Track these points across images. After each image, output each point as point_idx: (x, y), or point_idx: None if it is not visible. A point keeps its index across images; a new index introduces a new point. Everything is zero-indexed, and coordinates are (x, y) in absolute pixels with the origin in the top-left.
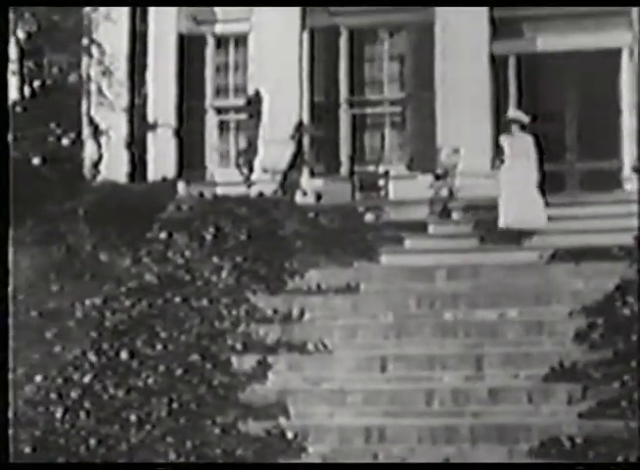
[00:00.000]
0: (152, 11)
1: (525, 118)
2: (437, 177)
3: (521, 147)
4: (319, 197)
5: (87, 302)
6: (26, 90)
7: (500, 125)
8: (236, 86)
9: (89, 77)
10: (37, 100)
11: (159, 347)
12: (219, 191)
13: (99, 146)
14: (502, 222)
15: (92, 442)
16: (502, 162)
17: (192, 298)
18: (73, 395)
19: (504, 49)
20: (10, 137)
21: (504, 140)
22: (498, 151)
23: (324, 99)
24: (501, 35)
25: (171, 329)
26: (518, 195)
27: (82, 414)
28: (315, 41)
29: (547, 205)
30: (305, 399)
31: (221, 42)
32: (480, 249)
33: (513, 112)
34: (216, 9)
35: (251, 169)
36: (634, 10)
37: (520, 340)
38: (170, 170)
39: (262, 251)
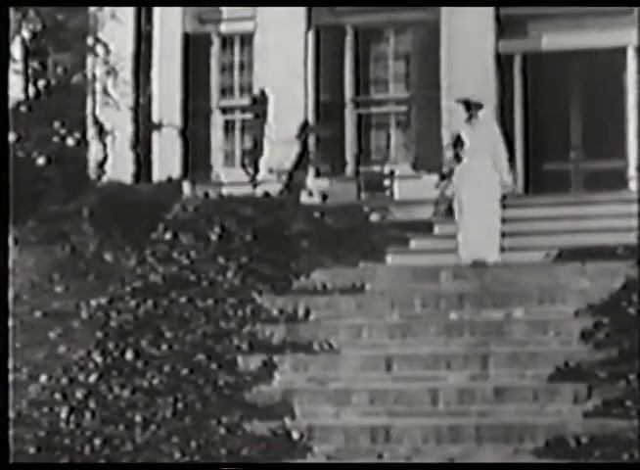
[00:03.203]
0: (157, 10)
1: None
2: (443, 177)
3: (483, 141)
4: (324, 197)
5: (92, 302)
6: (31, 90)
7: (505, 124)
8: (241, 86)
9: (94, 77)
10: (42, 100)
11: (164, 347)
12: (225, 191)
13: (104, 146)
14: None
15: (97, 442)
16: (458, 159)
17: (197, 298)
18: (78, 395)
19: (510, 48)
20: (12, 137)
21: (462, 130)
22: (456, 143)
23: (329, 98)
24: (507, 34)
25: (177, 329)
26: (473, 213)
27: (87, 414)
28: (320, 40)
29: (549, 205)
30: (311, 399)
31: (226, 42)
32: None
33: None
34: (222, 8)
35: (256, 169)
36: (637, 9)
37: (525, 339)
38: (175, 170)
39: (268, 251)
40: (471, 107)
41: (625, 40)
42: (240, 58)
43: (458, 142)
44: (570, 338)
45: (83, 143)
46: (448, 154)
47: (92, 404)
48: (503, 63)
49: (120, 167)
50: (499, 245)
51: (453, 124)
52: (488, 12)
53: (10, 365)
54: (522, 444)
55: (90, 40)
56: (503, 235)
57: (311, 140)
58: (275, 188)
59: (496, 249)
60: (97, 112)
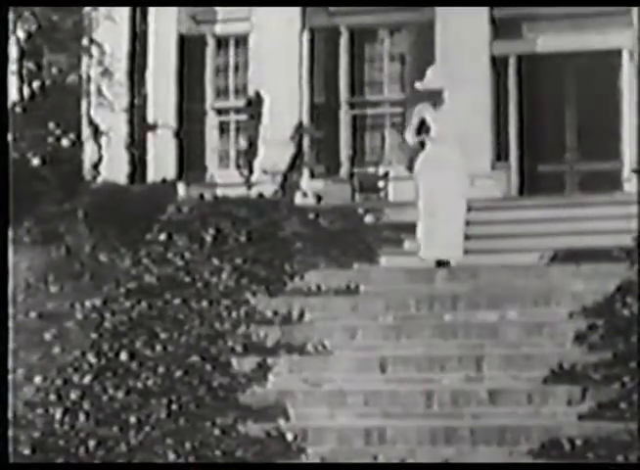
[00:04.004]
0: (152, 11)
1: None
2: None
3: (448, 126)
4: (319, 198)
5: (87, 303)
6: (26, 91)
7: (500, 125)
8: (236, 87)
9: (89, 78)
10: (37, 100)
11: (158, 348)
12: (219, 192)
13: (99, 147)
14: (422, 252)
15: (91, 443)
16: (422, 145)
17: (192, 299)
18: (73, 396)
19: (504, 49)
20: (9, 138)
21: (424, 112)
22: (421, 128)
23: (324, 100)
24: (501, 36)
25: (171, 330)
26: (435, 205)
27: (82, 415)
28: (315, 42)
29: (544, 207)
30: (305, 401)
31: (221, 43)
32: (480, 250)
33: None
34: (216, 9)
35: (250, 171)
36: (634, 10)
37: (520, 341)
38: (170, 172)
39: (262, 252)
40: (435, 94)
41: (620, 42)
42: (235, 59)
43: (422, 127)
44: (564, 340)
45: (78, 144)
46: (411, 140)
47: (86, 405)
48: (498, 64)
49: (115, 168)
50: (462, 244)
51: (418, 108)
52: (483, 13)
53: (8, 366)
54: (516, 445)
55: (85, 41)
56: (499, 237)
57: (306, 141)
58: (269, 189)
59: (459, 247)
60: (92, 112)
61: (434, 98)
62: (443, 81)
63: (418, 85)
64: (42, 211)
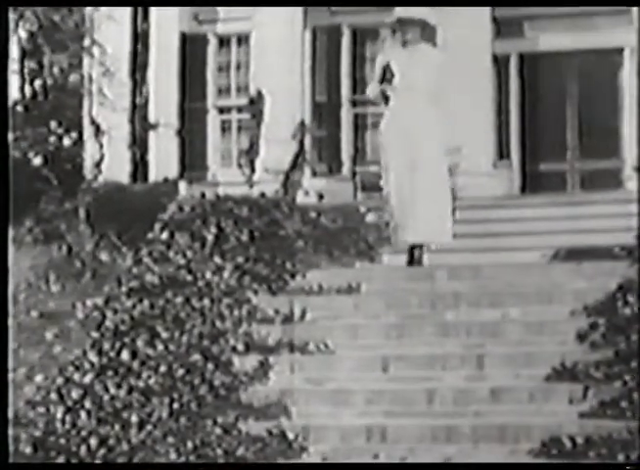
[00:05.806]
0: (153, 11)
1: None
2: None
3: (419, 72)
4: (321, 197)
5: (88, 302)
6: (27, 90)
7: (502, 124)
8: (238, 86)
9: (90, 77)
10: (38, 100)
11: (160, 347)
12: (221, 191)
13: (100, 146)
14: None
15: (92, 442)
16: (385, 100)
17: (193, 298)
18: (74, 395)
19: (506, 48)
20: (10, 137)
21: (390, 54)
22: (385, 76)
23: (326, 98)
24: (503, 34)
25: (172, 329)
26: (400, 175)
27: (83, 414)
28: (317, 40)
29: (545, 205)
30: (307, 400)
31: (223, 42)
32: (482, 248)
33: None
34: (218, 8)
35: (252, 169)
36: (635, 9)
37: (521, 340)
38: (172, 170)
39: (264, 251)
40: (408, 26)
41: (622, 41)
42: (236, 58)
43: (387, 74)
44: (565, 338)
45: (79, 143)
46: (373, 90)
47: (88, 404)
48: (499, 63)
49: (117, 167)
50: (450, 224)
51: (386, 52)
52: (485, 12)
53: (9, 365)
54: (517, 444)
55: (86, 41)
56: (500, 235)
57: (308, 140)
58: (271, 188)
59: (447, 227)
60: (93, 112)
61: (407, 33)
62: (426, 10)
63: (395, 15)
64: (43, 211)
